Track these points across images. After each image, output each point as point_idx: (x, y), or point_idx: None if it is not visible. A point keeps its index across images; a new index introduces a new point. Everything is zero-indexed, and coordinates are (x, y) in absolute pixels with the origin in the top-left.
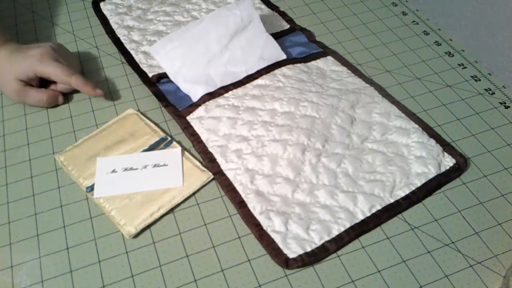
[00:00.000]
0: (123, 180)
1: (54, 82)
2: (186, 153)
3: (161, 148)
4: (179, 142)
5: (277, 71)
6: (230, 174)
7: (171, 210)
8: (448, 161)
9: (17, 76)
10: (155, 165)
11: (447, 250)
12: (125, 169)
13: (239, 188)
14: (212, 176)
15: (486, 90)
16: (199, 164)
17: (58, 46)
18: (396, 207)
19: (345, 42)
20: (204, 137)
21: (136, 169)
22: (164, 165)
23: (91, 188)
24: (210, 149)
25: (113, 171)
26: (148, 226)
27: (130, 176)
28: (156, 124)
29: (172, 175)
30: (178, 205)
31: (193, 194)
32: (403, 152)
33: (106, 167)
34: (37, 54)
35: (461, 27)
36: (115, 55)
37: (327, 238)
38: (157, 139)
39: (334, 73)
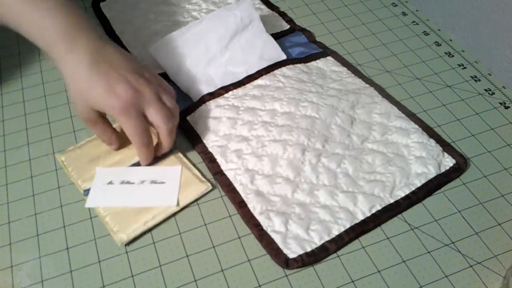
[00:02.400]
0: (118, 193)
1: None
2: (186, 161)
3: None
4: (178, 142)
5: (277, 71)
6: (230, 174)
7: None
8: (448, 161)
9: (93, 106)
10: (152, 181)
11: (447, 250)
12: (122, 182)
13: (239, 188)
14: (211, 187)
15: (486, 90)
16: (198, 173)
17: (152, 77)
18: (396, 207)
19: (345, 43)
20: (204, 137)
21: (133, 183)
22: (162, 182)
23: (88, 192)
24: (210, 149)
25: (110, 182)
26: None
27: (126, 189)
28: None
29: (168, 193)
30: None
31: (190, 204)
32: (403, 153)
33: (104, 178)
34: (124, 97)
35: (461, 27)
36: None
37: (327, 238)
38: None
39: (334, 73)
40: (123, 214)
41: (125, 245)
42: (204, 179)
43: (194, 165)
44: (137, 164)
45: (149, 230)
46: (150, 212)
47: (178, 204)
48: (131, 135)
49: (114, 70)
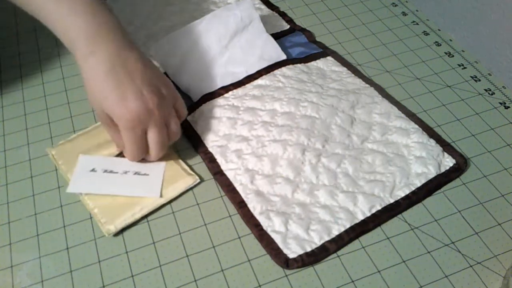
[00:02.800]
0: (100, 180)
1: None
2: (174, 154)
3: None
4: (178, 142)
5: (277, 71)
6: (230, 174)
7: (171, 210)
8: (448, 161)
9: (105, 111)
10: (136, 173)
11: (447, 250)
12: (105, 171)
13: (239, 188)
14: (198, 180)
15: (486, 90)
16: (186, 167)
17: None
18: (396, 207)
19: (345, 43)
20: (204, 137)
21: (116, 173)
22: (145, 174)
23: None
24: (210, 149)
25: (93, 170)
26: (148, 226)
27: (108, 178)
28: None
29: (151, 185)
30: (178, 205)
31: (178, 197)
32: (403, 153)
33: (87, 165)
34: (134, 114)
35: (461, 27)
36: None
37: (327, 238)
38: None
39: (334, 73)
40: (111, 206)
41: (125, 245)
42: (192, 173)
43: (182, 159)
44: (122, 155)
45: (137, 221)
46: (138, 204)
47: (161, 196)
48: (127, 147)
49: (131, 80)
